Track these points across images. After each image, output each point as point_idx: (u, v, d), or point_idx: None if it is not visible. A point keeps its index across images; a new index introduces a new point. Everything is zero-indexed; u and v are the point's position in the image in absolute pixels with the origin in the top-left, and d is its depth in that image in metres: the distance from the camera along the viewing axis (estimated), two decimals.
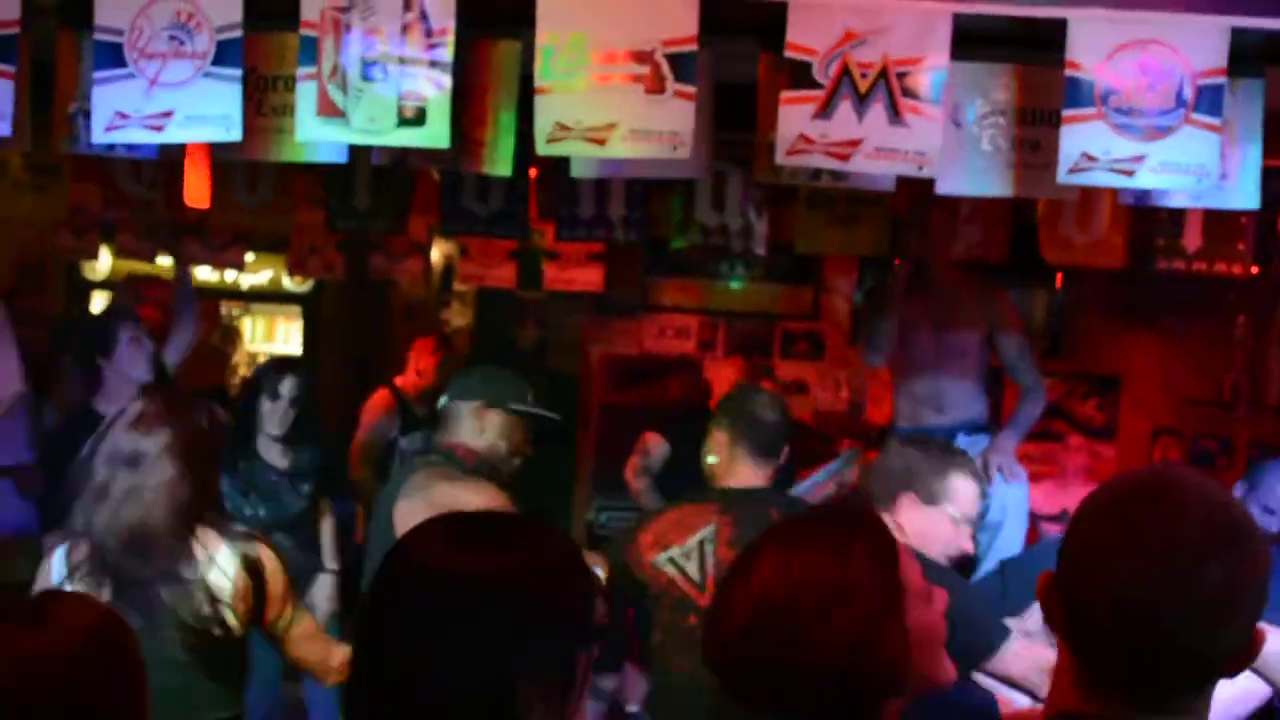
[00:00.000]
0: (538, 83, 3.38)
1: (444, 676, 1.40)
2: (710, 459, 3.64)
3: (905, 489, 3.28)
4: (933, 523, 3.23)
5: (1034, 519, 5.98)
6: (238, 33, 3.41)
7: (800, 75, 3.33)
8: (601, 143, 3.37)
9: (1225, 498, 1.43)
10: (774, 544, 1.62)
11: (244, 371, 8.39)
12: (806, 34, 3.33)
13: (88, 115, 3.58)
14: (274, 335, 8.73)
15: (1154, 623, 1.34)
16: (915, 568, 1.62)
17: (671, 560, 3.49)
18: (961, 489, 3.26)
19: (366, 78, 3.37)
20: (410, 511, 3.21)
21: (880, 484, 3.38)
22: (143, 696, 1.64)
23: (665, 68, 3.33)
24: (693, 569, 3.48)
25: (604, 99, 3.35)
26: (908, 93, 3.32)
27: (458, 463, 3.55)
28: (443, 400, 3.70)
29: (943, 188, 3.60)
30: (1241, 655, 1.38)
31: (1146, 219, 5.39)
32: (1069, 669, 1.41)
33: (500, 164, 3.68)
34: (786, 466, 3.92)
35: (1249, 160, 3.62)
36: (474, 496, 3.34)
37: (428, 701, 1.40)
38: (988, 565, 4.36)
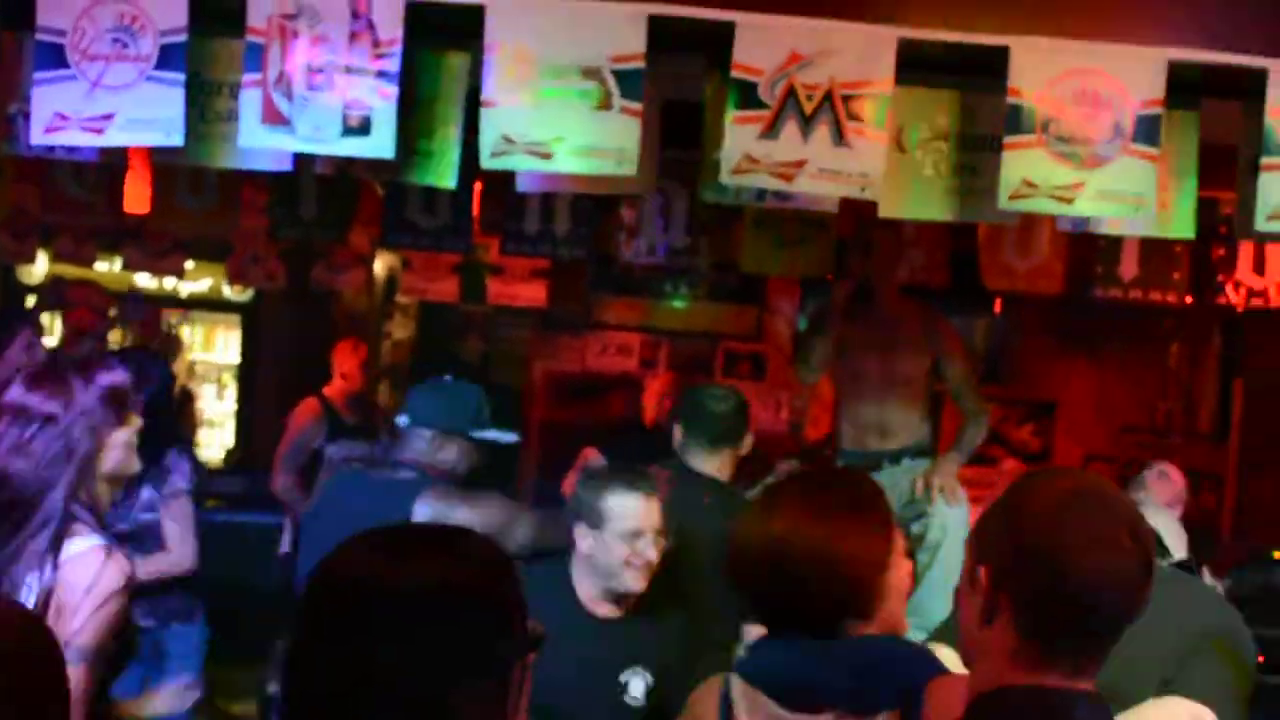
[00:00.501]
0: (484, 96, 3.37)
1: (378, 689, 1.39)
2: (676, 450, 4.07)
3: (576, 520, 3.32)
4: (602, 545, 3.26)
5: None
6: (182, 37, 3.37)
7: (746, 95, 3.35)
8: (547, 157, 3.37)
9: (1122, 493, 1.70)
10: (798, 493, 2.08)
11: (184, 380, 8.32)
12: (753, 54, 3.35)
13: (28, 116, 3.52)
14: (213, 344, 8.64)
15: (1115, 606, 1.57)
16: (899, 534, 2.05)
17: None
18: (616, 507, 3.27)
19: (312, 86, 3.35)
20: None
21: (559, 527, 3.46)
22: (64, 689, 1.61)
23: (612, 84, 3.34)
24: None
25: (550, 114, 3.35)
26: (852, 115, 3.35)
27: (434, 480, 3.57)
28: (403, 420, 3.69)
29: (885, 210, 3.63)
30: None
31: (1085, 247, 5.47)
32: (1011, 650, 1.58)
33: (445, 176, 3.67)
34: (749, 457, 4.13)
35: (1185, 190, 3.68)
36: (492, 512, 3.48)
37: (363, 714, 1.39)
38: (925, 586, 4.40)
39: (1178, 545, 3.48)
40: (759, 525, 2.04)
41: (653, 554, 3.28)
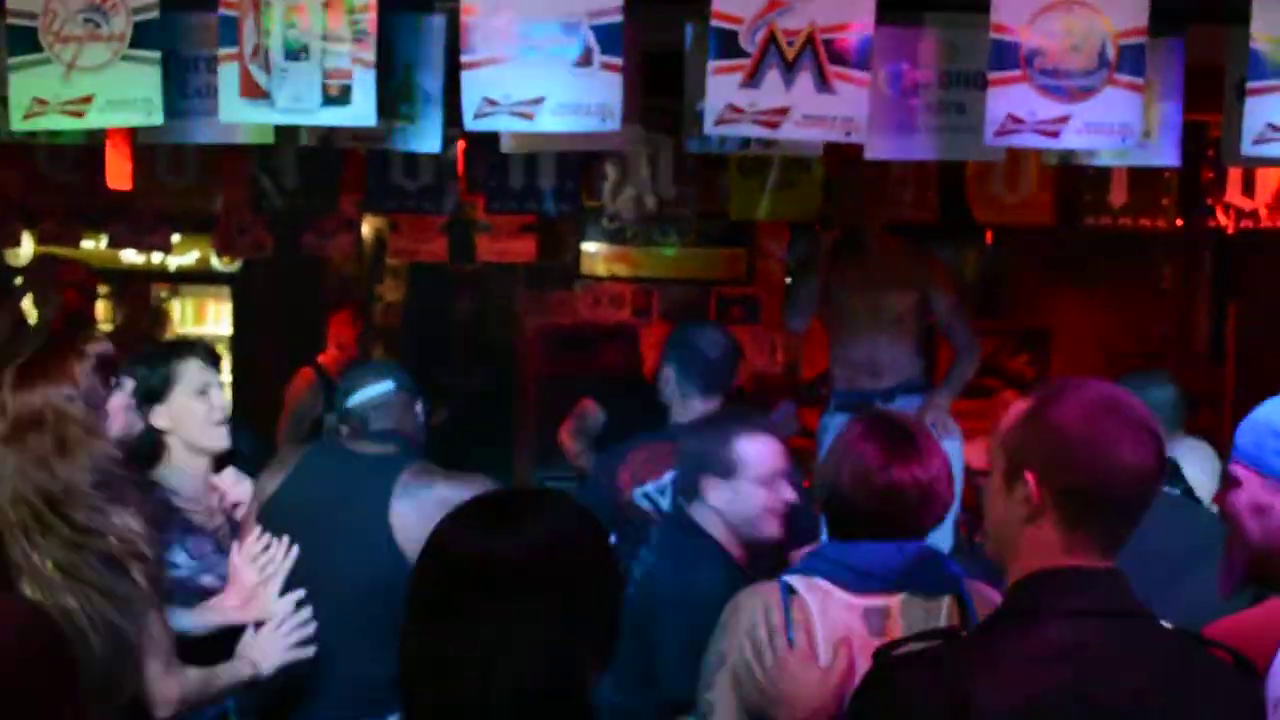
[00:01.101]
0: (464, 58, 3.34)
1: (512, 661, 1.49)
2: (664, 395, 4.05)
3: (702, 472, 3.29)
4: (739, 495, 3.23)
5: (969, 474, 6.07)
6: (155, 13, 3.34)
7: (727, 44, 3.32)
8: (530, 117, 3.35)
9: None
10: (886, 432, 2.45)
11: None
12: (732, 2, 3.31)
13: (5, 102, 3.49)
14: (204, 317, 8.60)
15: (1145, 496, 1.77)
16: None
17: (646, 495, 3.80)
18: (750, 452, 3.25)
19: (289, 57, 3.32)
20: (418, 512, 3.10)
21: (684, 476, 3.44)
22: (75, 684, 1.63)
23: (592, 39, 3.31)
24: (666, 503, 3.75)
25: (531, 73, 3.32)
26: (835, 59, 3.32)
27: (418, 455, 3.45)
28: (387, 389, 3.50)
29: (871, 153, 3.61)
30: None
31: (1073, 176, 5.45)
32: (1055, 543, 1.75)
33: (428, 141, 3.64)
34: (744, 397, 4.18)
35: (1170, 118, 3.66)
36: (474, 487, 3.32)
37: (499, 682, 1.49)
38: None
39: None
40: (869, 461, 2.39)
41: (791, 494, 3.27)
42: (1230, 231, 5.82)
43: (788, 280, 7.60)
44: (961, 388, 4.95)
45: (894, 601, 2.32)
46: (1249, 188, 5.65)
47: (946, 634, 1.79)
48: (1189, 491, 3.57)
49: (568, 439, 5.68)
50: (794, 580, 2.37)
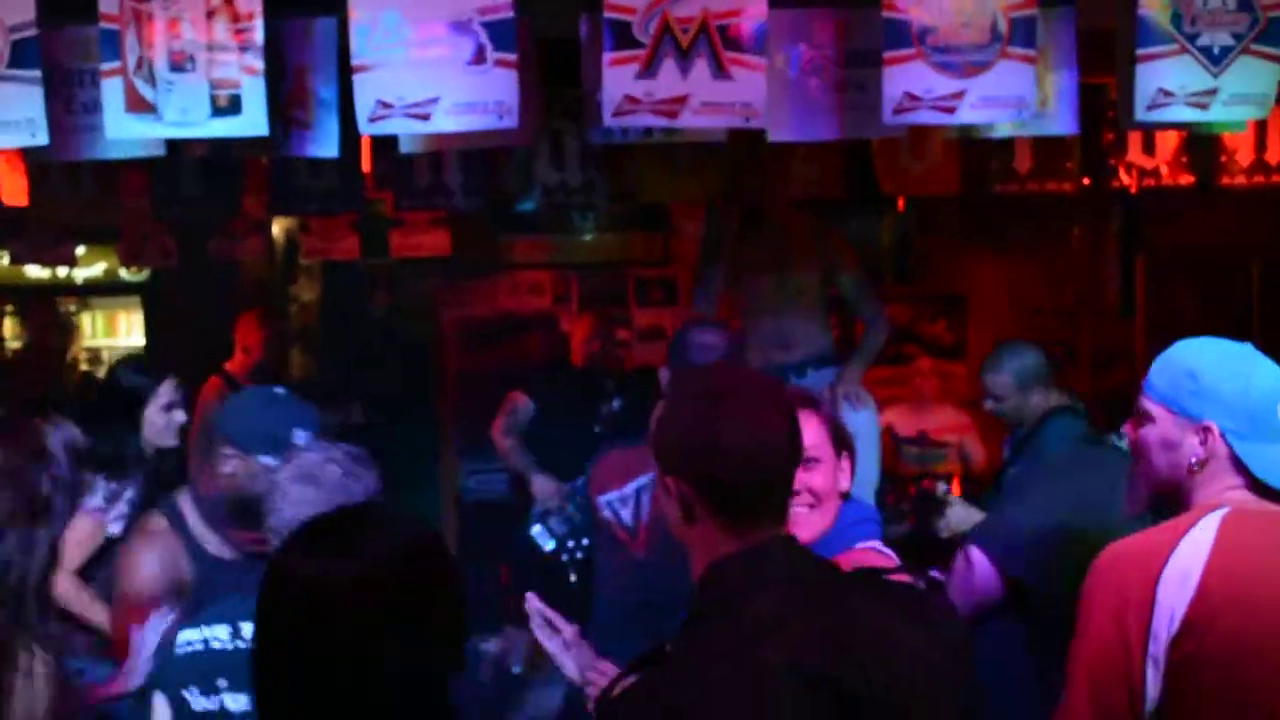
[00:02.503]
0: (355, 60, 3.30)
1: (366, 674, 1.54)
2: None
3: None
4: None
5: (894, 440, 6.12)
6: (33, 31, 3.26)
7: (621, 35, 3.30)
8: (426, 118, 3.31)
9: None
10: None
11: (84, 368, 8.13)
12: None
13: None
14: (115, 329, 8.44)
15: (781, 470, 1.80)
16: None
17: (609, 504, 3.74)
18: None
19: (175, 69, 3.25)
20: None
21: None
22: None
23: (484, 37, 3.27)
24: (627, 515, 3.72)
25: (425, 73, 3.29)
26: (730, 45, 3.32)
27: None
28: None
29: (773, 135, 3.62)
30: None
31: (979, 145, 5.49)
32: (717, 533, 1.78)
33: (326, 145, 3.59)
34: None
35: (1066, 87, 3.70)
36: None
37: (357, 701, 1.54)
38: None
39: None
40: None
41: None
42: (1133, 191, 5.90)
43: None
44: (872, 359, 5.01)
45: None
46: (1149, 147, 5.74)
47: (652, 658, 1.74)
48: None
49: (500, 437, 5.65)
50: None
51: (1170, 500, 2.21)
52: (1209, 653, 1.98)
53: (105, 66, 3.27)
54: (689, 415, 1.80)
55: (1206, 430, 2.14)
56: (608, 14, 3.30)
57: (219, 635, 2.33)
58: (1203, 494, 2.15)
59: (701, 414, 1.78)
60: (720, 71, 3.32)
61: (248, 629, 2.22)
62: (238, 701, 2.25)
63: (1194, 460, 2.15)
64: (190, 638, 2.35)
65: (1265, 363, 2.20)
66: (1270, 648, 1.99)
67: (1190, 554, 2.03)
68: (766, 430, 1.78)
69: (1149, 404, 2.22)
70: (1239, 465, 2.14)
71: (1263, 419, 2.14)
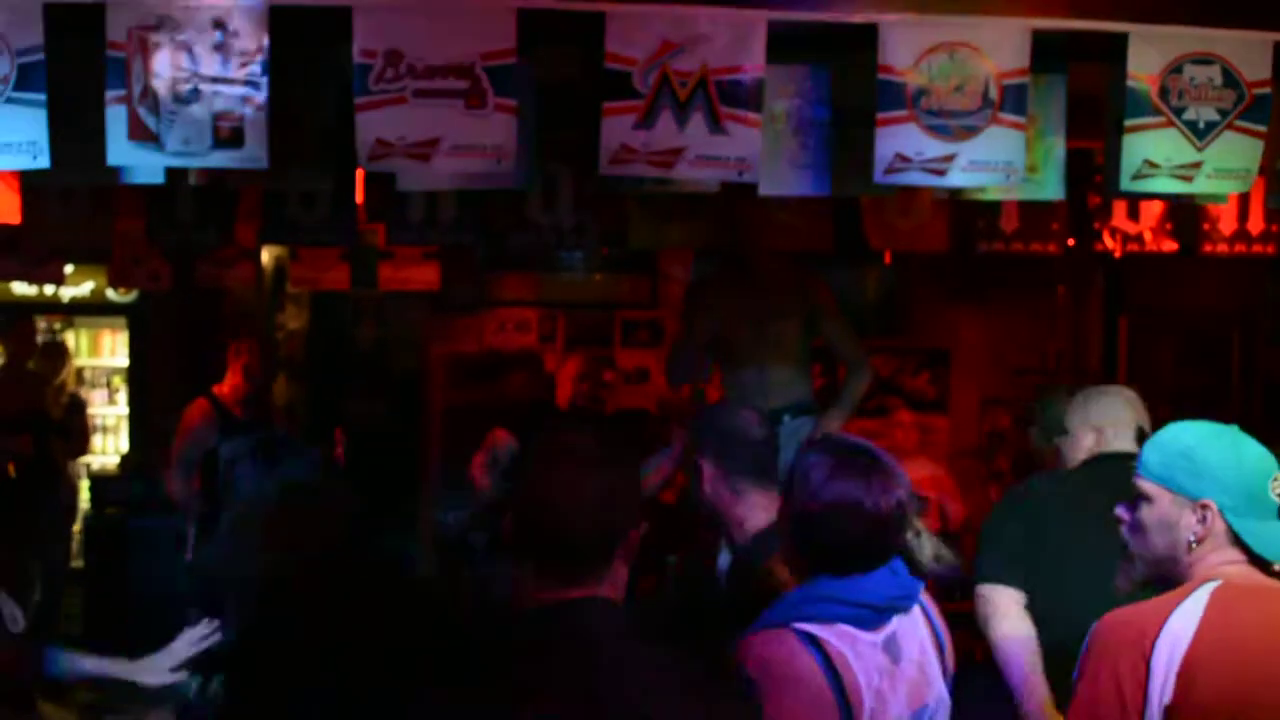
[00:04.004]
0: (357, 99, 3.33)
1: None
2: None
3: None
4: None
5: None
6: (40, 55, 3.28)
7: (620, 85, 3.36)
8: (425, 158, 3.35)
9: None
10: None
11: (71, 387, 8.12)
12: (625, 44, 3.35)
13: None
14: (100, 349, 8.44)
15: (591, 532, 1.93)
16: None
17: None
18: None
19: (179, 99, 3.29)
20: None
21: None
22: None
23: (485, 81, 3.32)
24: None
25: (425, 114, 3.33)
26: (726, 100, 3.37)
27: None
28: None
29: (765, 189, 3.67)
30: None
31: (966, 203, 5.56)
32: (535, 581, 1.94)
33: (322, 179, 3.63)
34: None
35: (1054, 153, 3.78)
36: None
37: None
38: None
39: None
40: (852, 496, 2.35)
41: None
42: (1117, 255, 5.98)
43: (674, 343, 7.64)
44: (853, 407, 5.03)
45: (894, 626, 2.36)
46: (1134, 213, 5.82)
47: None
48: None
49: (480, 476, 5.65)
50: (813, 629, 2.27)
51: (1167, 577, 2.27)
52: (1200, 717, 2.06)
53: (110, 94, 3.30)
54: (526, 473, 2.02)
55: (1205, 508, 2.21)
56: (608, 64, 3.35)
57: None
58: (1200, 569, 2.22)
59: (529, 474, 2.00)
60: (716, 125, 3.37)
61: None
62: None
63: (1192, 537, 2.22)
64: None
65: (1252, 442, 2.27)
66: (1258, 713, 2.07)
67: (1182, 624, 2.11)
68: (572, 494, 1.92)
69: (1145, 485, 2.28)
70: (1236, 541, 2.21)
71: (1258, 496, 2.21)
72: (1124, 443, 3.48)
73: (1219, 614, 2.12)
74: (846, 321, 5.11)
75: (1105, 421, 3.55)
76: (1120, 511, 2.33)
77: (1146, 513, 2.27)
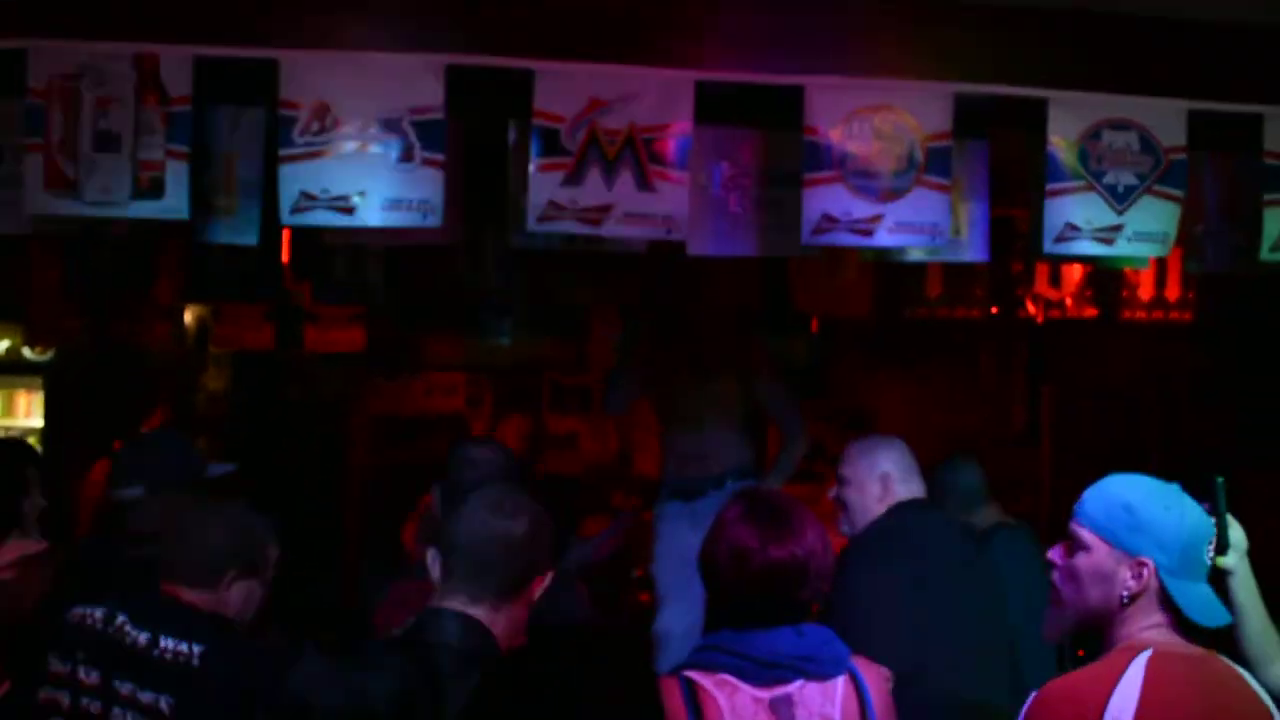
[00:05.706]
0: (281, 152, 3.30)
1: None
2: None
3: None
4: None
5: None
6: None
7: (549, 142, 3.36)
8: (349, 212, 3.32)
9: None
10: (770, 514, 2.48)
11: None
12: (553, 101, 3.36)
13: None
14: (14, 410, 8.22)
15: (495, 545, 2.39)
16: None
17: None
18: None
19: (99, 147, 3.23)
20: None
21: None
22: None
23: (413, 136, 3.30)
24: None
25: (351, 168, 3.31)
26: (655, 158, 3.38)
27: None
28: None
29: (693, 249, 3.67)
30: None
31: (891, 268, 5.61)
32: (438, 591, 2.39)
33: (246, 233, 3.58)
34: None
35: (978, 216, 3.82)
36: None
37: None
38: None
39: None
40: (746, 543, 2.40)
41: None
42: (1039, 321, 6.05)
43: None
44: (790, 472, 5.01)
45: (794, 688, 2.35)
46: (1055, 279, 5.91)
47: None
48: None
49: (414, 544, 5.54)
50: (695, 675, 2.35)
51: (1092, 630, 2.24)
52: None
53: (29, 141, 3.24)
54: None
55: (1143, 565, 2.18)
56: (537, 121, 3.36)
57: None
58: (1127, 629, 2.19)
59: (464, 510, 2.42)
60: (644, 183, 3.38)
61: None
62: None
63: (1126, 594, 2.19)
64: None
65: (1191, 503, 2.25)
66: None
67: (1122, 703, 2.06)
68: (484, 520, 2.36)
69: (1083, 532, 2.24)
70: (1166, 602, 2.18)
71: (1193, 557, 2.20)
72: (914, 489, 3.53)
73: (1157, 690, 2.07)
74: (786, 387, 5.10)
75: (891, 469, 3.57)
76: (1053, 555, 2.30)
77: (1082, 561, 2.23)
